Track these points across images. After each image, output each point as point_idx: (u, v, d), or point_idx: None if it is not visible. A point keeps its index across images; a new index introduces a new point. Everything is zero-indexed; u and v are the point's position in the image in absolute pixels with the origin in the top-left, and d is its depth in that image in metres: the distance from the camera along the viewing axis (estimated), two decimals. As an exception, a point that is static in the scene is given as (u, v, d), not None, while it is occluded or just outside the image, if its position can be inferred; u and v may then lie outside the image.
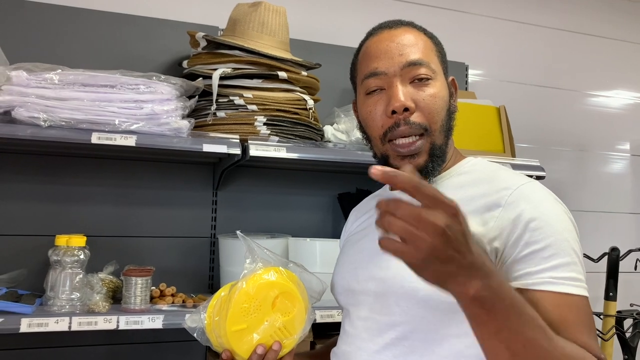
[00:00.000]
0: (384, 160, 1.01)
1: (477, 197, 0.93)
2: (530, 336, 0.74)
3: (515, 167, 1.93)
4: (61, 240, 1.54)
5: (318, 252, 1.69)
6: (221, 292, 1.00)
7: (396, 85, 0.96)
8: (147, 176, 1.91)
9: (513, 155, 2.06)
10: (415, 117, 0.96)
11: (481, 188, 0.95)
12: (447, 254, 0.67)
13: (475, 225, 0.87)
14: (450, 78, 1.05)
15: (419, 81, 0.96)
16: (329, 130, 1.86)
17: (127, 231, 1.87)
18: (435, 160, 0.98)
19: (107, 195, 1.86)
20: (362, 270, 1.02)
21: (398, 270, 0.91)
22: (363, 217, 1.16)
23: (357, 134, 1.79)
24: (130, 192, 1.89)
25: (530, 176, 1.94)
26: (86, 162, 1.84)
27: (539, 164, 2.00)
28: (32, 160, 1.79)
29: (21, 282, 1.62)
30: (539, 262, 0.84)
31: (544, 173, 1.99)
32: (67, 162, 1.82)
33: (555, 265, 0.84)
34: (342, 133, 1.85)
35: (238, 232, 1.02)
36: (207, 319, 0.97)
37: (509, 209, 0.88)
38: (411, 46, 0.98)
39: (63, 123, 1.46)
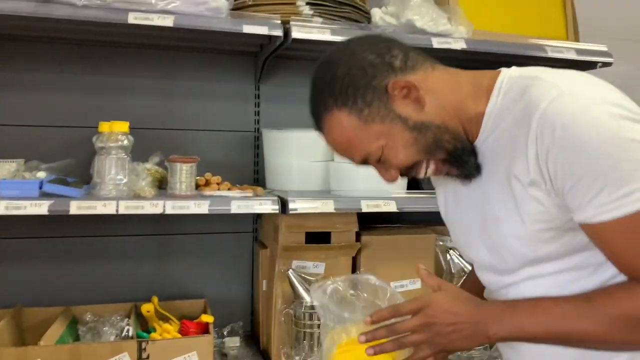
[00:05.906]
0: None
1: (516, 138, 0.84)
2: (561, 328, 0.82)
3: (579, 52, 1.78)
4: (104, 126, 1.53)
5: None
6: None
7: (374, 167, 0.96)
8: (187, 67, 1.86)
9: (577, 40, 1.89)
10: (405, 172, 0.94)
11: (515, 115, 0.85)
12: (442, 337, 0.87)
13: (523, 173, 0.83)
14: (390, 85, 0.86)
15: (378, 161, 0.93)
16: (376, 14, 1.73)
17: (170, 124, 1.85)
18: (460, 164, 0.91)
19: (149, 87, 1.83)
20: (471, 248, 1.01)
21: (500, 239, 0.90)
22: (441, 194, 1.08)
23: (408, 16, 1.67)
24: (172, 84, 1.85)
25: (596, 63, 1.83)
26: (125, 52, 1.80)
27: (606, 50, 1.83)
28: (71, 51, 1.75)
29: (69, 172, 1.63)
30: (585, 194, 0.77)
31: (612, 59, 1.82)
32: (106, 52, 1.78)
33: (599, 191, 0.76)
34: (390, 16, 1.72)
35: (313, 290, 1.04)
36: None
37: (538, 143, 0.79)
38: (348, 148, 0.93)
39: (99, 1, 1.40)
